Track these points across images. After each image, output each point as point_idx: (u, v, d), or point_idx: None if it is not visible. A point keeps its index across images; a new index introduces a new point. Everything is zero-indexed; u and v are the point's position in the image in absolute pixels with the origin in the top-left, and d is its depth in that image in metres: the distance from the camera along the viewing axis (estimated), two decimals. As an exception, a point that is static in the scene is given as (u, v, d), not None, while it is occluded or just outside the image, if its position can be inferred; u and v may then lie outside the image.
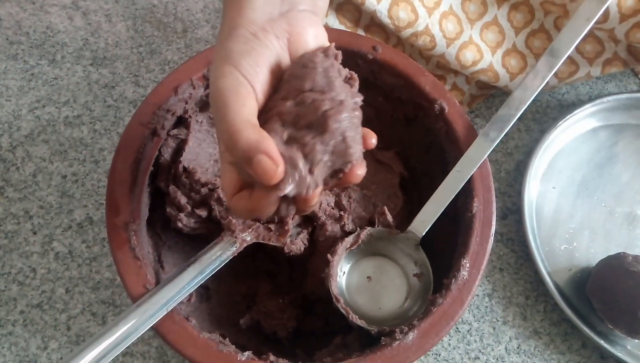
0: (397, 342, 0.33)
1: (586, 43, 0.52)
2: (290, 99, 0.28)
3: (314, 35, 0.30)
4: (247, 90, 0.27)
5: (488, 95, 0.55)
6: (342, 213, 0.41)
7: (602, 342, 0.43)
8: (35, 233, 0.47)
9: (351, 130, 0.27)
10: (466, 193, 0.39)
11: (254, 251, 0.41)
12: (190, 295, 0.38)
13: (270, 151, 0.26)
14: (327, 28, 0.47)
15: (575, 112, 0.52)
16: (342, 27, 0.49)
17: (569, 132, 0.53)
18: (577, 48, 0.52)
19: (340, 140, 0.27)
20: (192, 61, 0.41)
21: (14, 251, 0.47)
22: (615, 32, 0.49)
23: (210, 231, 0.41)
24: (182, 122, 0.42)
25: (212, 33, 0.57)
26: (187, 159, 0.41)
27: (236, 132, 0.26)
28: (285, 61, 0.29)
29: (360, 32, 0.49)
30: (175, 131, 0.41)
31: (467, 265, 0.36)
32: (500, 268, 0.48)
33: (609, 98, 0.53)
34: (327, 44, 0.31)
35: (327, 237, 0.40)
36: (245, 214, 0.29)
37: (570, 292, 0.46)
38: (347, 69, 0.29)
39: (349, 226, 0.41)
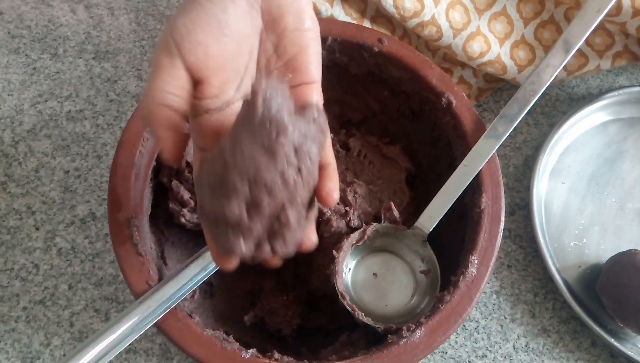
0: (404, 340, 0.33)
1: (596, 36, 0.51)
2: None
3: None
4: (179, 74, 0.26)
5: (495, 88, 0.54)
6: (347, 208, 0.41)
7: (612, 340, 0.43)
8: (37, 229, 0.47)
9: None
10: (474, 188, 0.38)
11: (258, 247, 0.41)
12: (194, 291, 0.38)
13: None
14: (333, 21, 0.46)
15: (585, 106, 0.51)
16: (348, 19, 0.48)
17: (579, 127, 0.52)
18: (586, 41, 0.51)
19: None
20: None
21: (17, 247, 0.46)
22: (627, 26, 0.48)
23: (213, 227, 0.40)
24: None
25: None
26: (190, 154, 0.40)
27: (149, 106, 0.26)
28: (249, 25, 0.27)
29: (367, 23, 0.49)
30: (178, 126, 0.41)
31: (476, 261, 0.35)
32: (508, 265, 0.48)
33: (620, 91, 0.52)
34: (308, 8, 0.29)
35: (332, 233, 0.40)
36: None
37: (579, 289, 0.46)
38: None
39: (355, 222, 0.41)
